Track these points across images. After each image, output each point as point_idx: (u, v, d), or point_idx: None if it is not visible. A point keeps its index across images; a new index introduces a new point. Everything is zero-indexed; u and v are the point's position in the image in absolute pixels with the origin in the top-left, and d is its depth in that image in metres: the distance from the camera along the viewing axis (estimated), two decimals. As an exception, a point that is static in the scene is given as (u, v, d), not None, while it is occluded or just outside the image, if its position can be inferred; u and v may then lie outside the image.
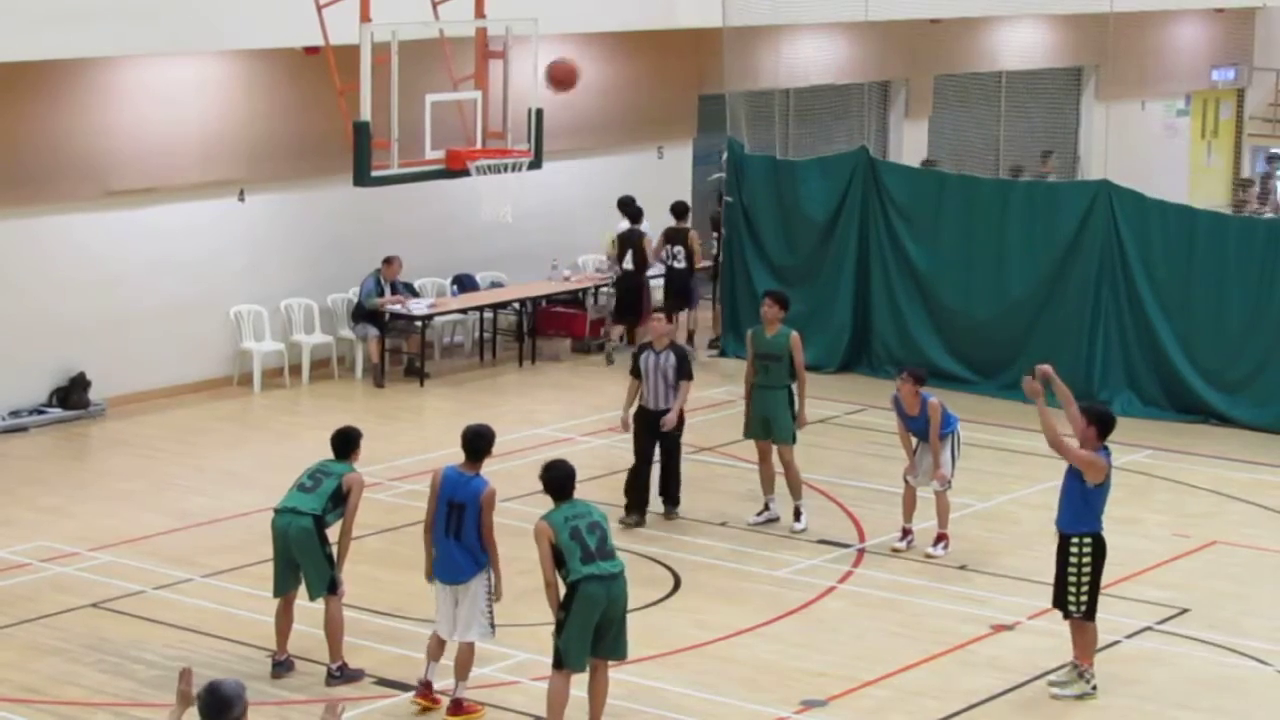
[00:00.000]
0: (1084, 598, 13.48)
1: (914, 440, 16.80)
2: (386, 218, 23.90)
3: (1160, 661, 14.39)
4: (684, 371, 17.33)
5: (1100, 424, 13.56)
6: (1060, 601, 13.64)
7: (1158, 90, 36.08)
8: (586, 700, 12.59)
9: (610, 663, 12.54)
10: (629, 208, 25.09)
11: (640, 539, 17.05)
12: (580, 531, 12.18)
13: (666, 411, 17.24)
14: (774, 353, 17.39)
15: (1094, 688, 13.61)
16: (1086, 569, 13.44)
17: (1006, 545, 17.18)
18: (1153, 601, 15.63)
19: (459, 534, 12.98)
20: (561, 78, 18.82)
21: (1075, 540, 13.46)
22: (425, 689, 13.23)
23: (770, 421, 17.42)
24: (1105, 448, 13.56)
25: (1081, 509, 13.49)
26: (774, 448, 17.54)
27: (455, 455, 19.18)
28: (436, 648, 13.27)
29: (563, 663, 12.30)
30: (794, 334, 17.45)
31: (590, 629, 12.25)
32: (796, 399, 17.46)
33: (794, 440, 17.49)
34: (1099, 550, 13.48)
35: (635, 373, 17.45)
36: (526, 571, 15.37)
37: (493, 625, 13.11)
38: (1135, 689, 13.85)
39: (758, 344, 17.52)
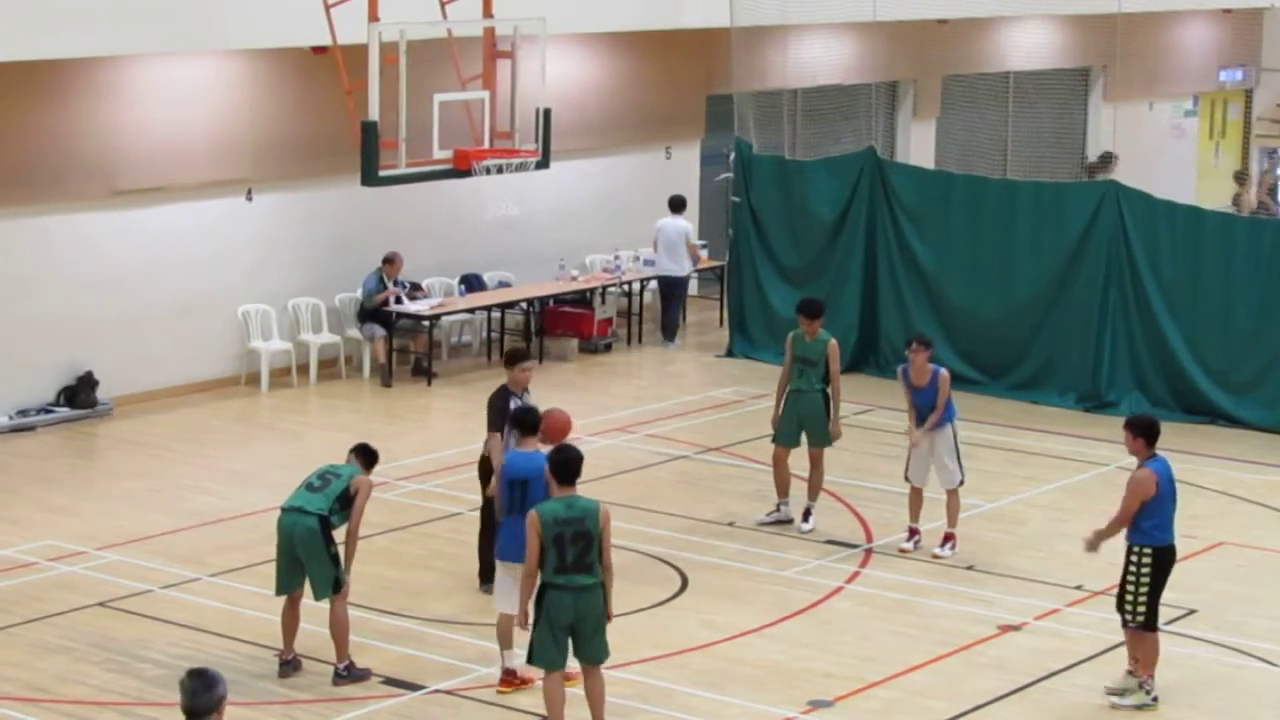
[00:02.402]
0: (1141, 608, 13.43)
1: (917, 417, 16.71)
2: (394, 217, 23.92)
3: (1167, 662, 14.33)
4: None
5: (1147, 433, 13.51)
6: (1120, 608, 13.59)
7: (1165, 91, 36.06)
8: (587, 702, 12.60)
9: (601, 665, 12.53)
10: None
11: (647, 539, 17.05)
12: (564, 540, 12.13)
13: None
14: (811, 357, 17.32)
15: (1155, 699, 13.52)
16: (1145, 579, 13.39)
17: (1014, 546, 17.17)
18: (1160, 602, 15.58)
19: (523, 509, 12.99)
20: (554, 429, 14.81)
21: (1135, 550, 13.42)
22: (509, 674, 13.34)
23: (805, 424, 17.36)
24: (1156, 455, 13.50)
25: (1141, 519, 13.41)
26: (791, 452, 17.49)
27: (459, 455, 19.25)
28: (507, 633, 13.32)
29: (533, 659, 12.38)
30: (832, 341, 17.36)
31: (559, 634, 12.25)
32: (832, 407, 17.37)
33: (829, 443, 17.47)
34: (1159, 561, 13.41)
35: (500, 426, 14.79)
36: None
37: None
38: (1142, 690, 13.84)
39: (797, 347, 17.44)
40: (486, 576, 15.26)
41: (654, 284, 26.15)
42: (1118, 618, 14.39)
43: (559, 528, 12.13)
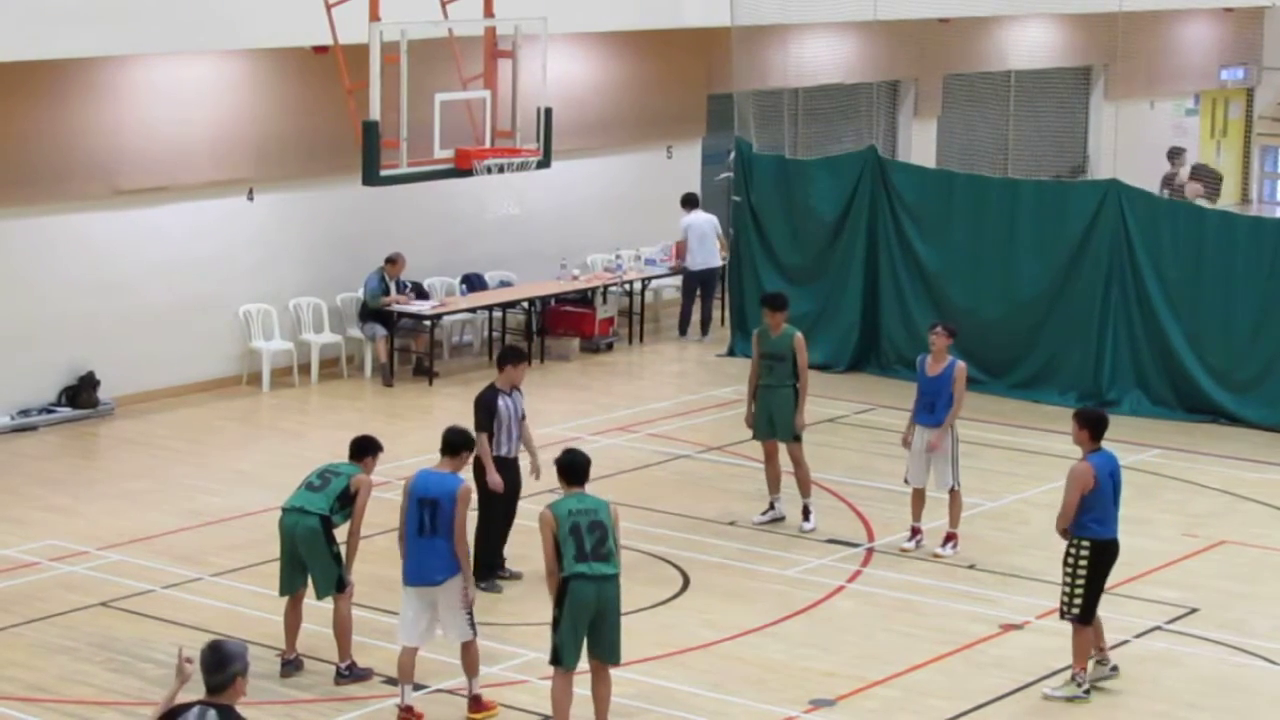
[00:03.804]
0: (1078, 599, 13.45)
1: (920, 407, 16.70)
2: (395, 217, 23.92)
3: (1169, 661, 14.38)
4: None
5: (1092, 426, 13.54)
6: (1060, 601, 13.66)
7: (1167, 90, 36.06)
8: (592, 702, 12.62)
9: (609, 667, 12.56)
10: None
11: (649, 539, 17.05)
12: (580, 529, 12.23)
13: (515, 460, 15.65)
14: (778, 353, 17.34)
15: (1086, 692, 13.57)
16: (1082, 572, 13.41)
17: (1015, 544, 17.17)
18: (1162, 601, 15.62)
19: (434, 531, 12.98)
20: None
21: (1074, 542, 13.47)
22: (406, 712, 13.09)
23: (775, 419, 17.36)
24: (1099, 449, 13.52)
25: (1080, 512, 13.43)
26: (780, 447, 17.50)
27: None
28: (409, 665, 13.12)
29: (558, 659, 12.37)
30: (798, 335, 17.38)
31: (582, 627, 12.31)
32: (799, 400, 17.36)
33: (799, 438, 17.44)
34: (1097, 555, 13.41)
35: (488, 425, 15.48)
36: (536, 569, 15.40)
37: (473, 626, 13.12)
38: (1144, 688, 13.84)
39: (763, 344, 17.47)
40: (483, 575, 15.31)
41: (652, 282, 26.24)
42: (1118, 618, 14.45)
43: (574, 518, 12.23)
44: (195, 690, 8.91)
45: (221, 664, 8.73)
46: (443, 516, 12.93)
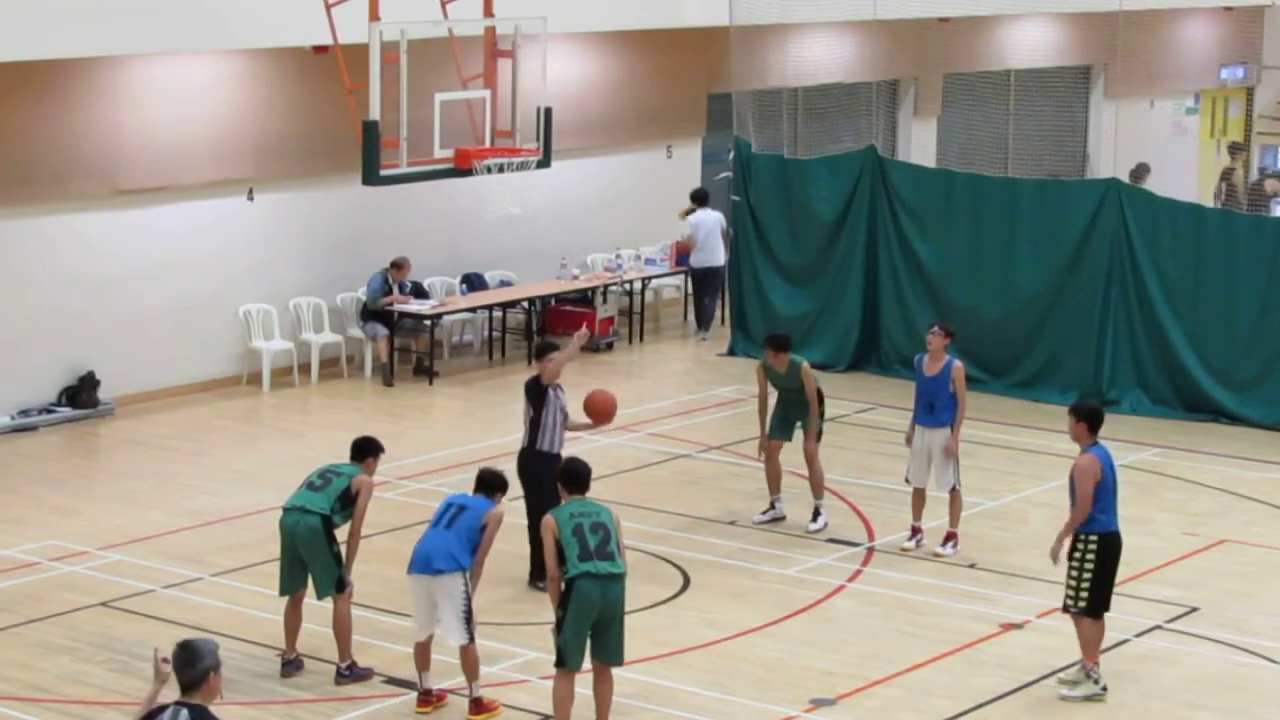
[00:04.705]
0: (1084, 593, 13.48)
1: (920, 407, 16.71)
2: (395, 217, 23.92)
3: (1169, 660, 14.37)
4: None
5: (1090, 419, 13.57)
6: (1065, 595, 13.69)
7: (1167, 89, 36.03)
8: (593, 702, 12.62)
9: (611, 667, 12.57)
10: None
11: (649, 538, 17.05)
12: (583, 529, 12.30)
13: (559, 456, 15.22)
14: (792, 387, 17.35)
15: (1104, 688, 13.58)
16: (1089, 566, 13.44)
17: (1016, 544, 17.17)
18: (1162, 600, 15.62)
19: (450, 526, 13.08)
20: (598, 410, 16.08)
21: (1081, 538, 13.48)
22: (425, 695, 13.26)
23: (800, 419, 17.37)
24: (1098, 443, 13.55)
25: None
26: (783, 447, 17.47)
27: (460, 454, 19.24)
28: (423, 655, 13.22)
29: (563, 660, 12.39)
30: (804, 365, 17.30)
31: (586, 627, 12.33)
32: (810, 422, 17.32)
33: (820, 434, 17.43)
34: (1105, 548, 13.44)
35: (539, 406, 15.69)
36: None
37: (470, 630, 13.11)
38: (1144, 687, 13.85)
39: (772, 378, 17.41)
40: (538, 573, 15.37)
41: (652, 281, 26.26)
42: (1119, 617, 14.43)
43: (576, 520, 12.31)
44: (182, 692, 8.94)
45: (192, 661, 8.77)
46: (464, 520, 13.03)
